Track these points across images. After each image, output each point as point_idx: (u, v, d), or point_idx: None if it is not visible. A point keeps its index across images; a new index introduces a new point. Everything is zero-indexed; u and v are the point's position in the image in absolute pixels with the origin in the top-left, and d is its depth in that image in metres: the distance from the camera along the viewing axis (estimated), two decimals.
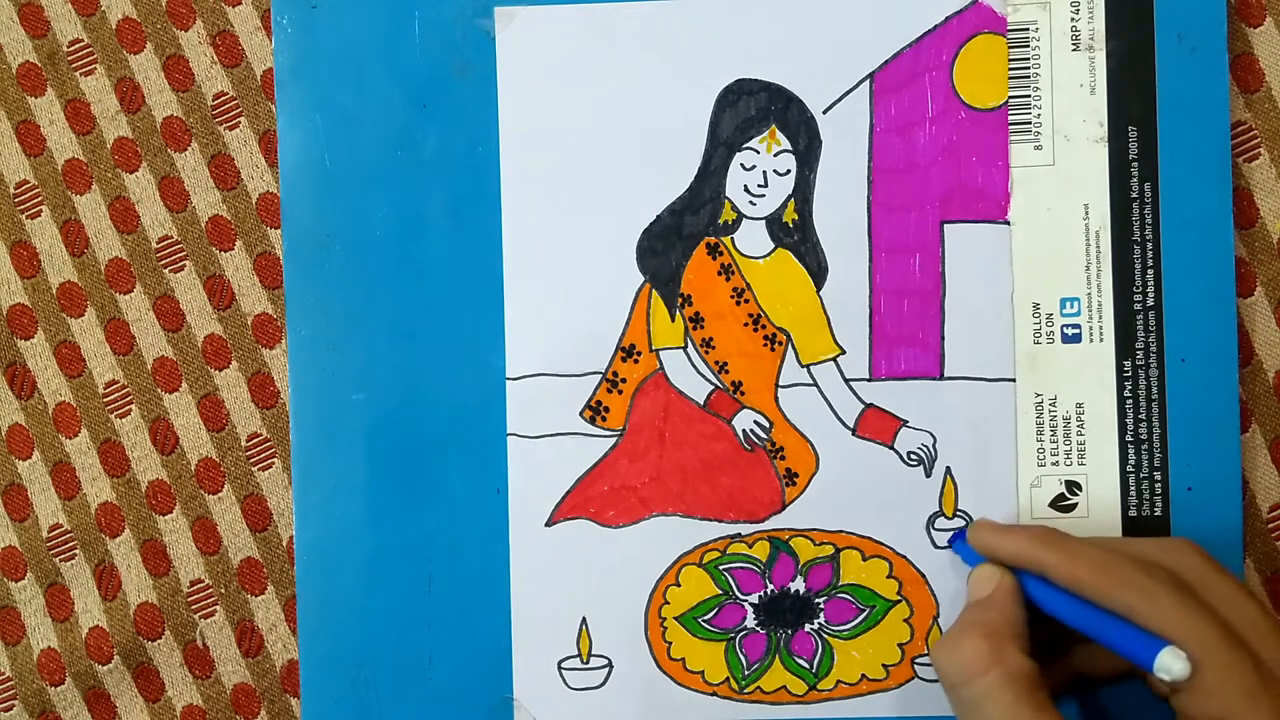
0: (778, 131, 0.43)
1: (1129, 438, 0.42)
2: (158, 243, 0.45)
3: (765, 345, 0.43)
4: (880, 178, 0.42)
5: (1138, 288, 0.42)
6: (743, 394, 0.43)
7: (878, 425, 0.42)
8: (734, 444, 0.43)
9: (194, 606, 0.44)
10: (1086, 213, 0.42)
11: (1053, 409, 0.42)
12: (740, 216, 0.43)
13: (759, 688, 0.43)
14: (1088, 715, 0.42)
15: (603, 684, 0.43)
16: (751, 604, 0.43)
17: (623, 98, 0.43)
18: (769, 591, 0.43)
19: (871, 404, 0.42)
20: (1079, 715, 0.42)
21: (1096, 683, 0.40)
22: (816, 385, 0.43)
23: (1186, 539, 0.38)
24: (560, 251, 0.43)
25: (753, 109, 0.43)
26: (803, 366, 0.43)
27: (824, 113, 0.43)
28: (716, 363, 0.43)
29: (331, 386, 0.43)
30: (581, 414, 0.43)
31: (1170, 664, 0.33)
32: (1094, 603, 0.35)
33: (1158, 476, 0.42)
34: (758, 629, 0.43)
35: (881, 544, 0.42)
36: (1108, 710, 0.42)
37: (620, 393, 0.43)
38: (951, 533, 0.42)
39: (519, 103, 0.43)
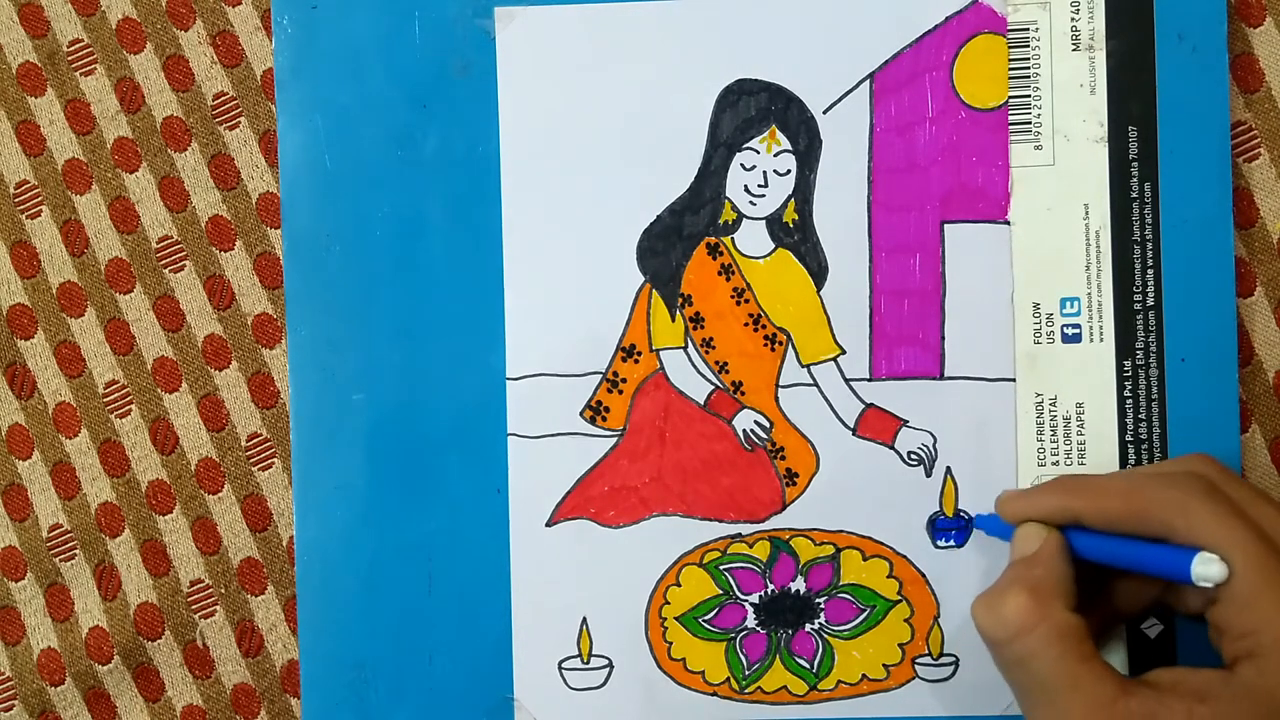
0: (778, 131, 0.43)
1: (1129, 438, 0.42)
2: (158, 243, 0.45)
3: (765, 345, 0.43)
4: (880, 178, 0.42)
5: (1138, 288, 0.42)
6: (743, 394, 0.43)
7: (878, 425, 0.42)
8: (734, 444, 0.43)
9: (194, 606, 0.44)
10: (1086, 213, 0.42)
11: (1053, 409, 0.42)
12: (740, 216, 0.43)
13: (759, 688, 0.43)
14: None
15: (603, 684, 0.43)
16: (752, 604, 0.43)
17: (622, 98, 0.43)
18: (769, 591, 0.43)
19: (872, 404, 0.42)
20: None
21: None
22: (817, 385, 0.43)
23: (1201, 453, 0.38)
24: (560, 251, 0.43)
25: (753, 109, 0.43)
26: (803, 366, 0.43)
27: (824, 113, 0.43)
28: (717, 363, 0.43)
29: (331, 386, 0.43)
30: (582, 414, 0.43)
31: (1205, 570, 0.33)
32: (1131, 533, 0.35)
33: None
34: (758, 629, 0.43)
35: (882, 544, 0.42)
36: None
37: (620, 393, 0.43)
38: (975, 518, 0.42)
39: (519, 103, 0.43)
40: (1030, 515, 0.38)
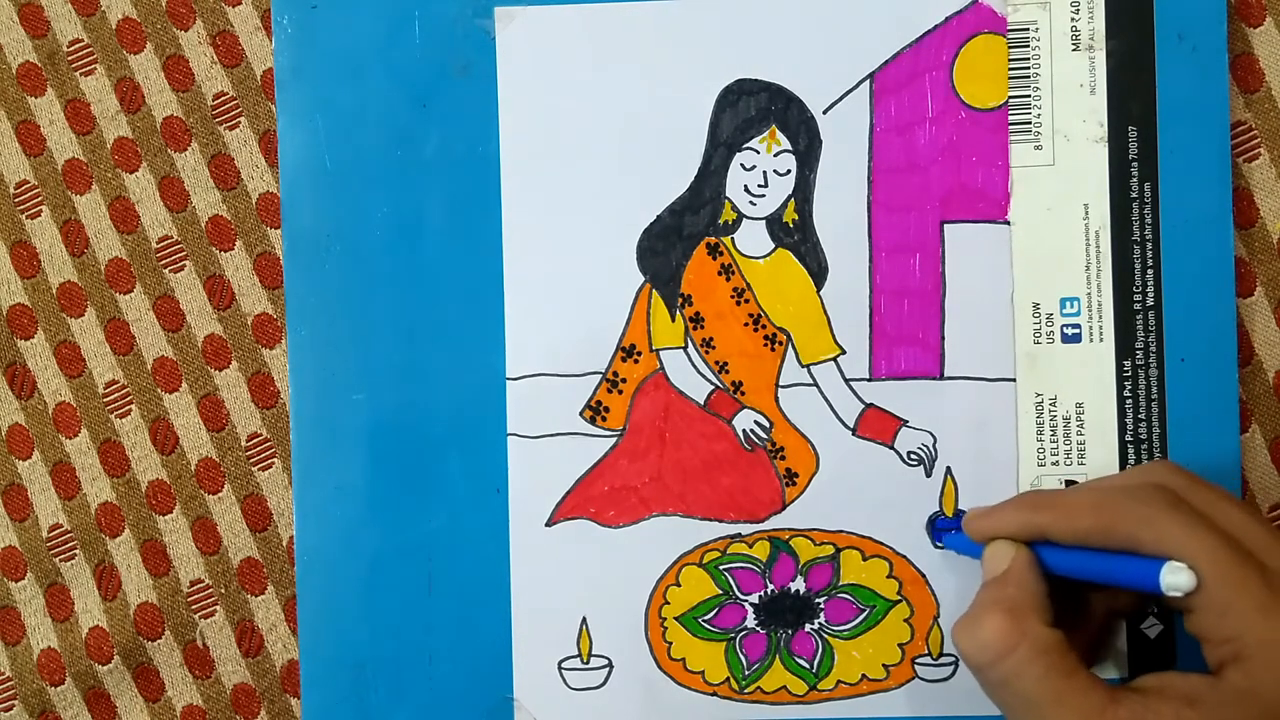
0: (778, 131, 0.43)
1: (1129, 438, 0.42)
2: (158, 243, 0.45)
3: (765, 345, 0.43)
4: (880, 178, 0.42)
5: (1138, 288, 0.42)
6: (743, 394, 0.43)
7: (878, 425, 0.42)
8: (734, 444, 0.43)
9: (194, 606, 0.44)
10: (1086, 213, 0.42)
11: (1053, 409, 0.42)
12: (740, 216, 0.43)
13: (759, 688, 0.43)
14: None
15: (603, 684, 0.43)
16: (752, 604, 0.43)
17: (622, 98, 0.43)
18: (769, 591, 0.43)
19: (871, 404, 0.42)
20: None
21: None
22: (817, 385, 0.43)
23: (1167, 460, 0.38)
24: (560, 251, 0.43)
25: (753, 109, 0.43)
26: (803, 366, 0.43)
27: (824, 113, 0.43)
28: (717, 363, 0.43)
29: (331, 386, 0.43)
30: (581, 414, 0.43)
31: (1173, 580, 0.33)
32: (1099, 547, 0.35)
33: None
34: (758, 629, 0.43)
35: (881, 544, 0.42)
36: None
37: (620, 393, 0.43)
38: (942, 534, 0.42)
39: (519, 103, 0.43)
40: (997, 533, 0.37)
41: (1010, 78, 0.42)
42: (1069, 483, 0.42)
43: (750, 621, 0.43)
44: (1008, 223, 0.42)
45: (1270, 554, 0.33)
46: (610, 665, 0.43)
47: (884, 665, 0.43)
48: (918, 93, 0.42)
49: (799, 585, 0.43)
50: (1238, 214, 0.42)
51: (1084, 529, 0.35)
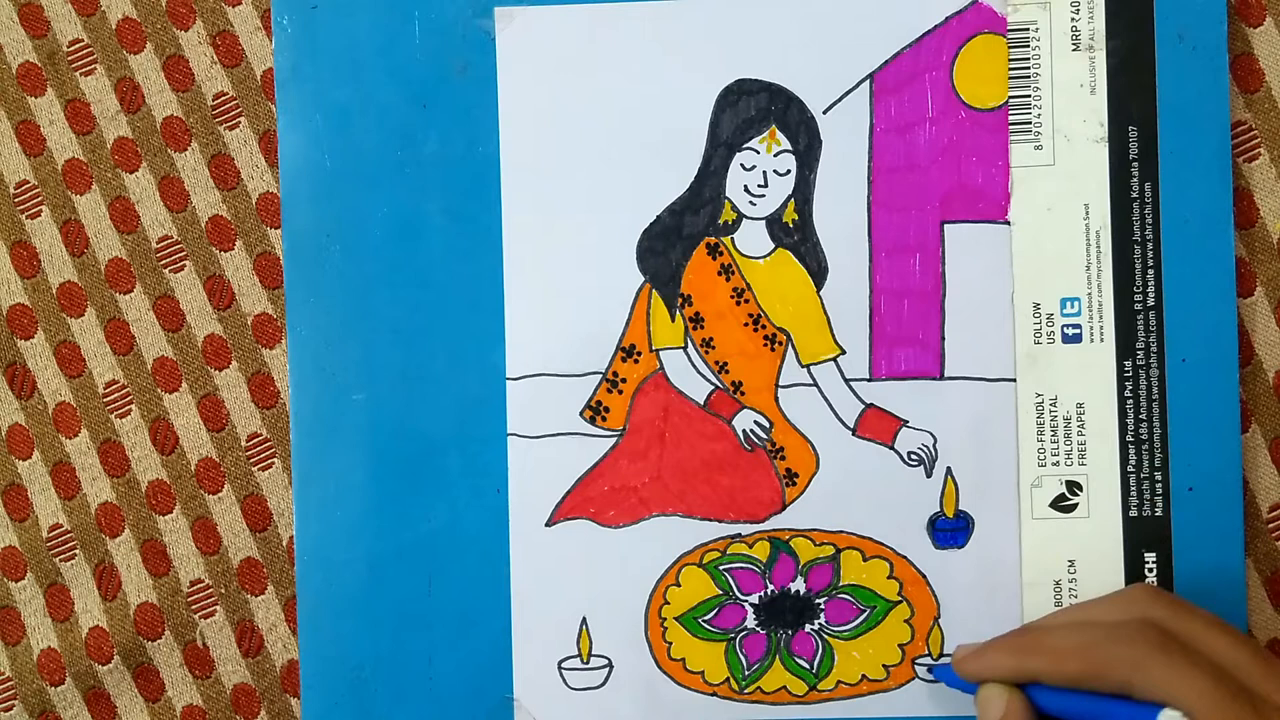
0: (778, 131, 0.43)
1: (1129, 438, 0.42)
2: (158, 243, 0.45)
3: (765, 345, 0.43)
4: (880, 178, 0.42)
5: (1138, 288, 0.42)
6: (743, 394, 0.43)
7: (878, 425, 0.42)
8: (734, 444, 0.43)
9: (194, 606, 0.44)
10: (1086, 213, 0.42)
11: (1053, 409, 0.42)
12: (740, 216, 0.43)
13: (759, 688, 0.43)
14: None
15: (603, 684, 0.43)
16: (751, 604, 0.43)
17: (623, 98, 0.43)
18: (769, 592, 0.43)
19: (871, 404, 0.42)
20: None
21: None
22: (816, 385, 0.43)
23: (1143, 585, 0.38)
24: (560, 251, 0.43)
25: (753, 109, 0.43)
26: (803, 366, 0.43)
27: (824, 113, 0.43)
28: (716, 363, 0.43)
29: (331, 386, 0.43)
30: (581, 414, 0.43)
31: None
32: (1090, 690, 0.35)
33: (1158, 476, 0.42)
34: (758, 629, 0.43)
35: (882, 544, 0.42)
36: None
37: (620, 393, 0.43)
38: (933, 667, 0.42)
39: (519, 103, 0.43)
40: (988, 676, 0.38)
41: (1010, 78, 0.42)
42: (1070, 483, 0.42)
43: (750, 622, 0.43)
44: (1008, 223, 0.42)
45: (1260, 682, 0.34)
46: (610, 665, 0.43)
47: (884, 666, 0.43)
48: (918, 93, 0.42)
49: (799, 585, 0.43)
50: (1238, 214, 0.42)
51: (1074, 674, 0.35)
